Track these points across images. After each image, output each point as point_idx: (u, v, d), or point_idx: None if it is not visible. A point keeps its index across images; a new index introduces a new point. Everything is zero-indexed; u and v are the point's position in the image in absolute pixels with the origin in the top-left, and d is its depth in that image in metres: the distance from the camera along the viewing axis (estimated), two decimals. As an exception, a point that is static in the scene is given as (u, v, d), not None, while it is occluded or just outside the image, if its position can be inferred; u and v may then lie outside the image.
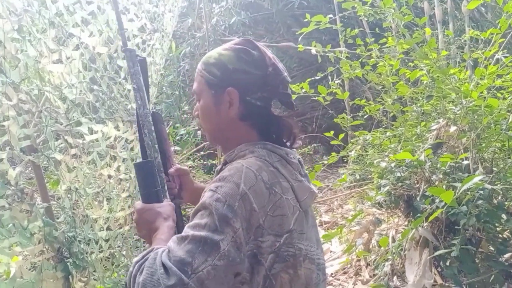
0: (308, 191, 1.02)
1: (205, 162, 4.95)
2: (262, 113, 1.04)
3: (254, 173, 0.92)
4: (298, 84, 2.70)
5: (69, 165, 1.83)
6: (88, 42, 1.97)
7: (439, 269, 2.18)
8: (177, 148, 5.05)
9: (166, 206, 1.05)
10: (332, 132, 2.64)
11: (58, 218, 1.82)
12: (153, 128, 1.15)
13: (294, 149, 1.09)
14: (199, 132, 5.50)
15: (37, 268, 1.58)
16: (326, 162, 2.50)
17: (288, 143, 1.06)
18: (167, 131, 5.19)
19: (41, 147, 1.70)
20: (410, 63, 3.39)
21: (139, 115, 1.14)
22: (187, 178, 1.25)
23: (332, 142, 2.73)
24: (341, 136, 2.69)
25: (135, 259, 0.89)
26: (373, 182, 3.04)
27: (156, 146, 1.15)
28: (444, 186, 2.07)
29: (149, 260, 0.85)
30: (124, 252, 2.26)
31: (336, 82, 3.00)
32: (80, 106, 1.91)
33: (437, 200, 1.83)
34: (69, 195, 1.83)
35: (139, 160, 1.16)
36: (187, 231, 0.86)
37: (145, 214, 1.03)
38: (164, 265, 0.81)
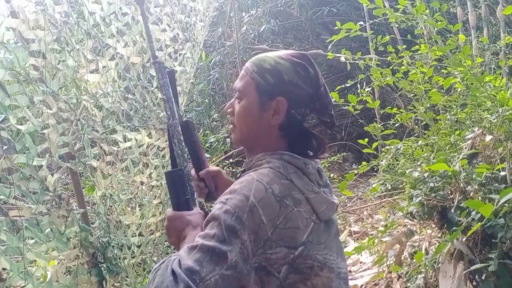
0: (326, 202, 1.01)
1: (233, 170, 4.98)
2: (298, 126, 1.05)
3: (265, 186, 0.92)
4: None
5: (104, 171, 1.89)
6: (123, 52, 2.03)
7: (474, 283, 2.10)
8: (207, 155, 5.11)
9: (195, 214, 1.07)
10: (366, 140, 2.60)
11: (93, 224, 1.87)
12: (182, 138, 1.17)
13: (317, 159, 1.08)
14: (228, 139, 5.54)
15: (72, 273, 1.62)
16: (356, 171, 2.47)
17: (313, 154, 1.06)
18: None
19: (77, 154, 1.75)
20: (443, 70, 3.31)
21: (169, 125, 1.17)
22: (220, 177, 1.27)
23: (365, 151, 2.70)
24: (375, 144, 2.65)
25: (155, 266, 0.92)
26: (404, 192, 2.98)
27: (186, 155, 1.17)
28: (479, 198, 2.01)
29: (162, 268, 0.87)
30: (155, 258, 2.30)
31: (366, 89, 2.97)
32: (115, 114, 1.96)
33: (473, 213, 1.78)
34: (103, 201, 1.88)
35: (170, 168, 1.19)
36: (197, 240, 0.88)
37: (175, 222, 1.05)
38: (174, 273, 0.83)
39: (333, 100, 2.60)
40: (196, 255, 0.85)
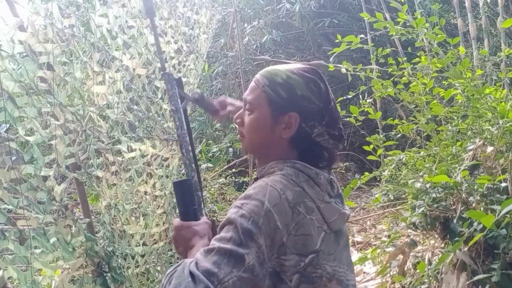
0: (337, 212, 1.02)
1: (236, 179, 4.99)
2: (308, 139, 1.06)
3: (278, 192, 0.93)
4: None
5: (109, 181, 1.91)
6: (129, 64, 2.07)
7: (477, 294, 2.11)
8: (209, 165, 5.13)
9: (202, 224, 1.08)
10: (371, 146, 2.62)
11: (97, 233, 1.89)
12: (190, 148, 1.19)
13: (326, 170, 1.10)
14: (230, 149, 5.57)
15: (78, 282, 1.63)
16: (360, 181, 2.47)
17: (324, 165, 1.07)
18: (200, 149, 5.28)
19: (83, 164, 1.78)
20: (444, 82, 3.34)
21: (178, 135, 1.19)
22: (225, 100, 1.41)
23: (369, 157, 2.71)
24: (379, 151, 2.66)
25: (167, 271, 0.93)
26: (406, 202, 2.98)
27: (194, 165, 1.18)
28: (481, 208, 2.02)
29: (178, 271, 0.88)
30: (158, 268, 2.31)
31: (368, 100, 2.99)
32: (120, 125, 1.99)
33: (475, 223, 1.78)
34: (108, 211, 1.89)
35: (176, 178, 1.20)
36: (213, 243, 0.89)
37: (183, 231, 1.06)
38: (192, 275, 0.84)
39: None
40: (213, 257, 0.85)
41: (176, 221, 1.10)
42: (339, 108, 2.54)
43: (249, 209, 0.90)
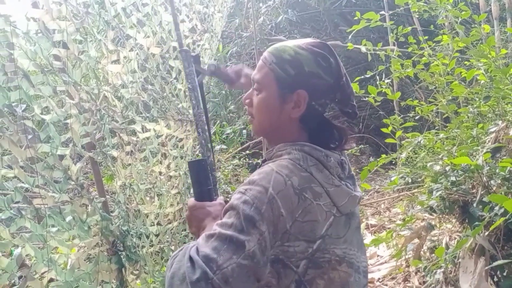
0: (348, 195, 0.98)
1: (250, 161, 4.98)
2: (319, 117, 1.03)
3: (284, 178, 0.91)
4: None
5: (124, 161, 1.90)
6: (143, 43, 2.04)
7: (495, 279, 2.07)
8: (223, 146, 5.12)
9: (216, 205, 1.07)
10: (390, 128, 2.56)
11: (112, 212, 1.90)
12: (206, 127, 1.16)
13: (342, 151, 1.06)
14: (244, 131, 5.54)
15: (93, 260, 1.65)
16: (377, 163, 2.43)
17: (336, 145, 1.04)
18: (214, 130, 5.28)
19: (97, 144, 1.77)
20: (465, 62, 3.24)
21: (193, 114, 1.16)
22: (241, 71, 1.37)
23: (387, 140, 2.66)
24: (398, 133, 2.61)
25: (173, 254, 0.93)
26: (423, 185, 2.93)
27: (209, 145, 1.16)
28: (503, 192, 1.97)
29: (179, 255, 0.88)
30: (172, 247, 2.32)
31: (386, 81, 2.92)
32: (135, 105, 1.97)
33: (496, 208, 1.74)
34: (123, 191, 1.90)
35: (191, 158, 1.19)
36: (215, 228, 0.87)
37: (196, 211, 1.06)
38: (191, 260, 0.83)
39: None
40: (213, 243, 0.84)
41: (191, 200, 1.09)
42: (357, 88, 2.51)
43: (253, 195, 0.88)
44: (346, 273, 0.96)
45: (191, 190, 2.78)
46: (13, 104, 1.30)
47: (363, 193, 4.60)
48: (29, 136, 1.36)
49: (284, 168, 0.93)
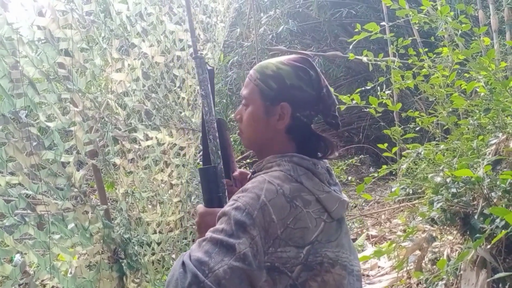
0: (338, 200, 1.02)
1: (251, 170, 4.98)
2: (305, 128, 1.07)
3: (276, 187, 0.94)
4: (349, 95, 2.67)
5: (126, 169, 1.91)
6: (148, 51, 2.05)
7: (496, 291, 2.07)
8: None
9: None
10: (385, 144, 2.58)
11: (114, 220, 1.90)
12: (217, 134, 1.17)
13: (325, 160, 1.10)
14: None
15: (95, 268, 1.64)
16: (376, 174, 2.44)
17: (322, 155, 1.08)
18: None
19: (100, 151, 1.78)
20: (465, 74, 3.26)
21: (205, 121, 1.17)
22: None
23: (385, 154, 2.67)
24: (395, 149, 2.62)
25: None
26: (423, 197, 2.93)
27: (220, 152, 1.17)
28: (503, 205, 1.97)
29: (175, 262, 0.90)
30: (173, 256, 2.32)
31: (386, 92, 2.94)
32: (138, 113, 1.98)
33: (497, 220, 1.74)
34: (125, 198, 1.90)
35: (200, 166, 1.20)
36: (207, 234, 0.91)
37: (206, 218, 1.07)
38: (183, 265, 0.86)
39: (345, 101, 2.59)
40: (205, 247, 0.87)
41: (200, 207, 1.11)
42: (358, 99, 2.52)
43: (245, 202, 0.91)
44: (340, 276, 0.98)
45: (192, 198, 2.78)
46: (18, 111, 1.31)
47: (363, 204, 4.60)
48: (34, 143, 1.36)
49: (276, 178, 0.97)
